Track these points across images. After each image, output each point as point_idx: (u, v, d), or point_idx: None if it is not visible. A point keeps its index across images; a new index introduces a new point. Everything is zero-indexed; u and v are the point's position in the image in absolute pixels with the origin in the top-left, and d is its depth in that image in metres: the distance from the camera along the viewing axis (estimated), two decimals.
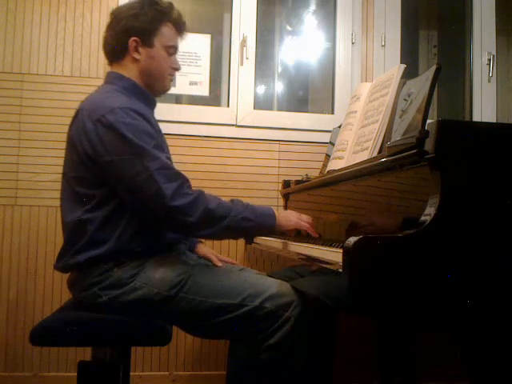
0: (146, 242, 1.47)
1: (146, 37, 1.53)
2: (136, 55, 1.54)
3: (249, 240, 1.95)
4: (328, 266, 1.19)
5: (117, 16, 1.54)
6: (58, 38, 2.28)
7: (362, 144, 1.62)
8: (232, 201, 1.45)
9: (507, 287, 1.07)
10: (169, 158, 1.49)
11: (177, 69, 1.62)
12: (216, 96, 2.60)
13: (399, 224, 1.19)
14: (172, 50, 1.59)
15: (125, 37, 1.52)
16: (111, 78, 1.57)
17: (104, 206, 1.43)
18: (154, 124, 1.49)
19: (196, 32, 2.40)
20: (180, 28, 1.60)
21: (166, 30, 1.56)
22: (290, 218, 1.53)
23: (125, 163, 1.36)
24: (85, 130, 1.40)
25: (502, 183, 1.10)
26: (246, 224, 1.42)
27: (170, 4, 1.58)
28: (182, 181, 1.38)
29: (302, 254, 1.46)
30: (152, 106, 1.62)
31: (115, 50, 1.55)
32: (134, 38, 1.52)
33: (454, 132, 1.09)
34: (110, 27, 1.56)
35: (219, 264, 1.64)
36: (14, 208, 2.21)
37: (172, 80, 1.64)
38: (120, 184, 1.39)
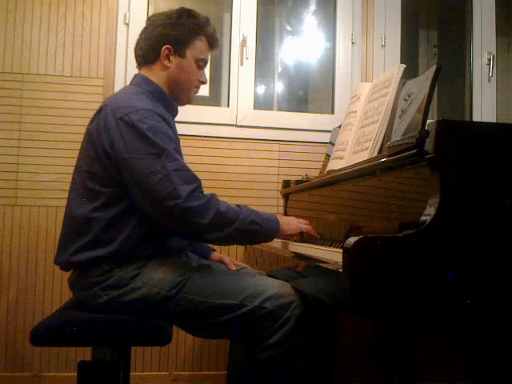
0: (151, 248, 1.47)
1: (180, 47, 1.55)
2: (166, 63, 1.55)
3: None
4: (328, 266, 1.19)
5: (153, 22, 1.57)
6: (58, 38, 2.28)
7: (361, 144, 1.62)
8: (239, 206, 1.46)
9: (507, 287, 1.07)
10: None
11: (203, 82, 1.65)
12: (216, 96, 2.60)
13: (399, 224, 1.19)
14: (202, 63, 1.61)
15: (158, 43, 1.54)
16: (138, 81, 1.58)
17: (112, 206, 1.43)
18: (174, 130, 1.51)
19: None
20: (213, 43, 1.63)
21: (199, 44, 1.58)
22: (291, 222, 1.55)
23: (143, 161, 1.36)
24: (106, 126, 1.41)
25: (501, 183, 1.10)
26: (253, 227, 1.42)
27: (207, 19, 1.60)
28: (197, 184, 1.39)
29: (301, 254, 1.46)
30: (174, 113, 1.63)
31: (147, 54, 1.57)
32: (167, 46, 1.54)
33: (453, 132, 1.09)
34: (145, 32, 1.58)
35: (233, 267, 1.67)
36: (14, 208, 2.21)
37: (197, 92, 1.66)
38: (134, 182, 1.38)
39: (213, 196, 1.41)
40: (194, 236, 1.50)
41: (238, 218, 1.40)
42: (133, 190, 1.40)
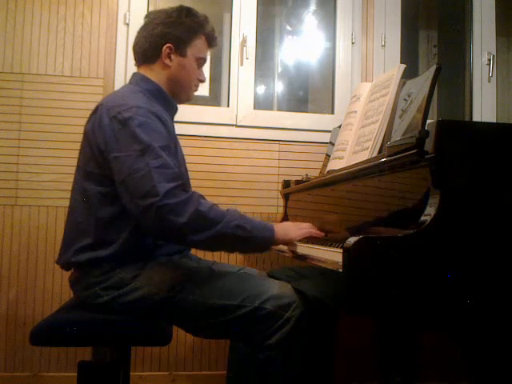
0: (152, 249, 1.47)
1: (181, 45, 1.55)
2: (167, 61, 1.55)
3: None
4: (328, 266, 1.19)
5: (153, 20, 1.56)
6: (58, 38, 2.28)
7: (362, 144, 1.62)
8: (228, 209, 1.41)
9: (507, 287, 1.07)
10: (182, 167, 1.49)
11: (202, 81, 1.65)
12: (216, 96, 2.60)
13: (399, 224, 1.19)
14: (201, 61, 1.62)
15: (160, 42, 1.54)
16: (136, 80, 1.58)
17: (109, 205, 1.42)
18: (170, 129, 1.48)
19: None
20: (212, 42, 1.63)
21: (199, 42, 1.59)
22: (289, 230, 1.49)
23: (129, 159, 1.35)
24: (101, 125, 1.41)
25: (501, 183, 1.10)
26: (240, 233, 1.35)
27: (206, 17, 1.60)
28: (178, 183, 1.34)
29: (301, 254, 1.46)
30: (172, 111, 1.62)
31: (147, 52, 1.56)
32: (169, 45, 1.53)
33: (453, 132, 1.09)
34: (144, 29, 1.57)
35: None
36: (14, 208, 2.21)
37: (196, 91, 1.66)
38: (121, 181, 1.37)
39: (193, 194, 1.35)
40: (171, 237, 1.40)
41: (221, 221, 1.33)
42: (119, 189, 1.38)
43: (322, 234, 1.54)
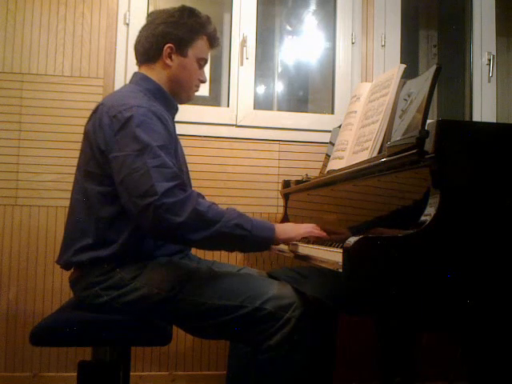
0: (152, 249, 1.47)
1: (182, 46, 1.55)
2: (168, 61, 1.55)
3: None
4: (328, 266, 1.19)
5: (155, 20, 1.56)
6: (58, 38, 2.28)
7: (362, 144, 1.62)
8: (226, 208, 1.40)
9: (507, 287, 1.07)
10: (183, 166, 1.49)
11: (203, 81, 1.64)
12: (216, 96, 2.60)
13: (399, 224, 1.19)
14: (203, 62, 1.61)
15: (161, 42, 1.54)
16: (137, 79, 1.58)
17: (110, 205, 1.42)
18: (170, 128, 1.48)
19: None
20: (214, 43, 1.63)
21: (201, 43, 1.58)
22: (290, 229, 1.48)
23: (128, 159, 1.35)
24: (101, 125, 1.41)
25: (501, 183, 1.10)
26: (239, 232, 1.35)
27: (208, 18, 1.60)
28: (177, 182, 1.34)
29: (302, 254, 1.46)
30: (173, 111, 1.62)
31: (148, 51, 1.56)
32: (170, 45, 1.53)
33: (454, 132, 1.09)
34: (146, 29, 1.57)
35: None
36: (14, 208, 2.21)
37: (197, 91, 1.66)
38: (120, 181, 1.37)
39: (192, 193, 1.35)
40: (170, 236, 1.39)
41: (220, 220, 1.33)
42: (119, 189, 1.37)
43: (324, 233, 1.53)
